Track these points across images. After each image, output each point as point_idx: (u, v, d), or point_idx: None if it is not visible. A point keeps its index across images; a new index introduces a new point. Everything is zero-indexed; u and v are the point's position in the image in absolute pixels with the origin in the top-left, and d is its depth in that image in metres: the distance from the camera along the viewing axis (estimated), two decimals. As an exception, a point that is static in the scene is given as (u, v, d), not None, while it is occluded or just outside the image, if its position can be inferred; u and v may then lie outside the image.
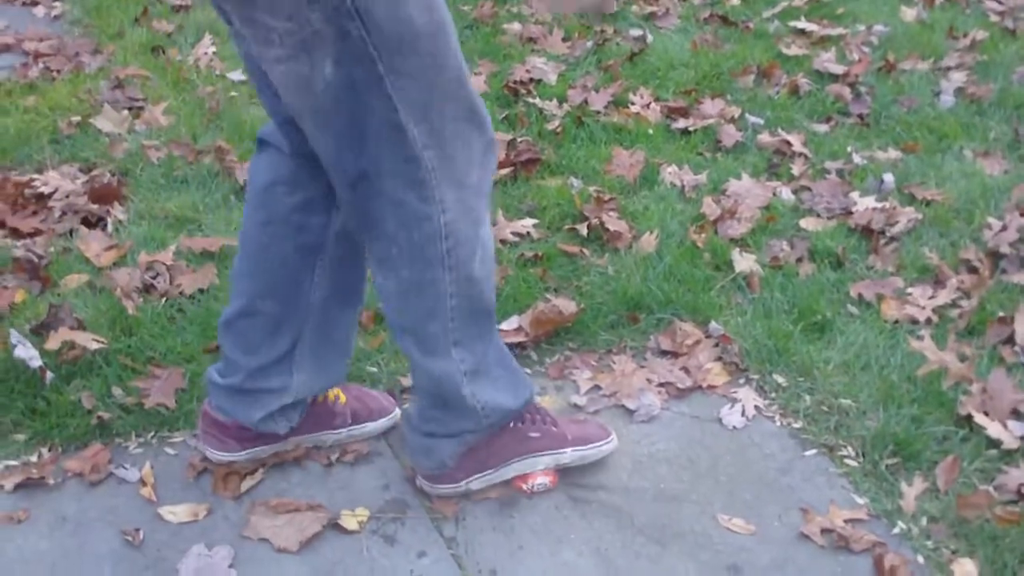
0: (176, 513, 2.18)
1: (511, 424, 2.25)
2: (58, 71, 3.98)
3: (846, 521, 2.26)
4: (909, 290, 2.93)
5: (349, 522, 2.20)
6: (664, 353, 2.72)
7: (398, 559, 2.13)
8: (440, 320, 2.03)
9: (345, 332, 2.27)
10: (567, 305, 2.77)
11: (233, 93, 3.78)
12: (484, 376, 2.14)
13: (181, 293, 2.80)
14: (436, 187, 1.87)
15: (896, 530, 2.26)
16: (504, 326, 2.72)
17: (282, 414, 2.27)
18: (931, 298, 2.90)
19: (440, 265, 1.95)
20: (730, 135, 3.60)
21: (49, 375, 2.46)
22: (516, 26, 4.22)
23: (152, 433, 2.40)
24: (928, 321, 2.83)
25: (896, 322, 2.82)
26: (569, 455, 2.33)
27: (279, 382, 2.20)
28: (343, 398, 2.38)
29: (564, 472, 2.35)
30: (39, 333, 2.60)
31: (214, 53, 4.03)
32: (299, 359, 2.20)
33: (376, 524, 2.21)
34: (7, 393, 2.43)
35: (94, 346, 2.54)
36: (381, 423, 2.42)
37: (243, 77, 3.88)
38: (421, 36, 1.76)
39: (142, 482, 2.25)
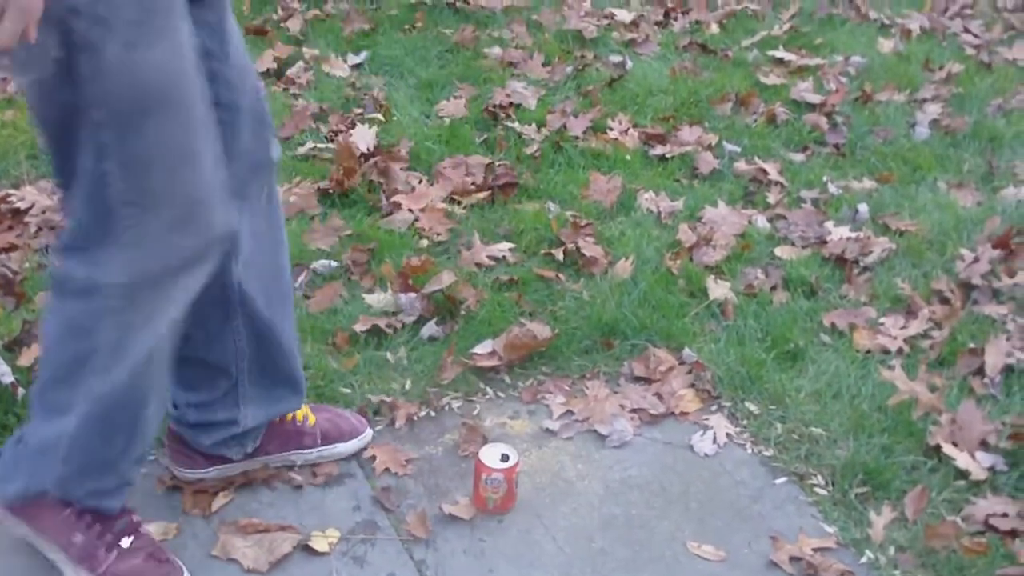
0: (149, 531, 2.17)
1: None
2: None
3: (815, 550, 2.27)
4: (881, 320, 2.95)
5: (319, 543, 2.20)
6: (637, 379, 2.73)
7: (368, 581, 2.14)
8: (74, 384, 1.92)
9: (287, 362, 2.24)
10: (541, 330, 2.78)
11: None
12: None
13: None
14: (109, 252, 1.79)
15: (864, 559, 2.27)
16: (478, 349, 2.72)
17: (235, 441, 2.26)
18: (903, 328, 2.92)
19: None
20: (707, 162, 3.62)
21: (20, 391, 2.45)
22: (496, 50, 4.24)
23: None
24: (899, 351, 2.85)
25: (868, 352, 2.84)
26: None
27: (226, 415, 2.20)
28: (312, 419, 2.37)
29: (534, 498, 2.35)
30: (11, 349, 2.60)
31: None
32: (244, 393, 2.19)
33: (346, 546, 2.21)
34: (-22, 409, 2.43)
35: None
36: (351, 444, 2.41)
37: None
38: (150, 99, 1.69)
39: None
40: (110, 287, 1.80)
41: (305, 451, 2.37)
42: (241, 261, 2.06)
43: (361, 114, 3.74)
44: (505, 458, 2.30)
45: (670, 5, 4.74)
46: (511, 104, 3.84)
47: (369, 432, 2.44)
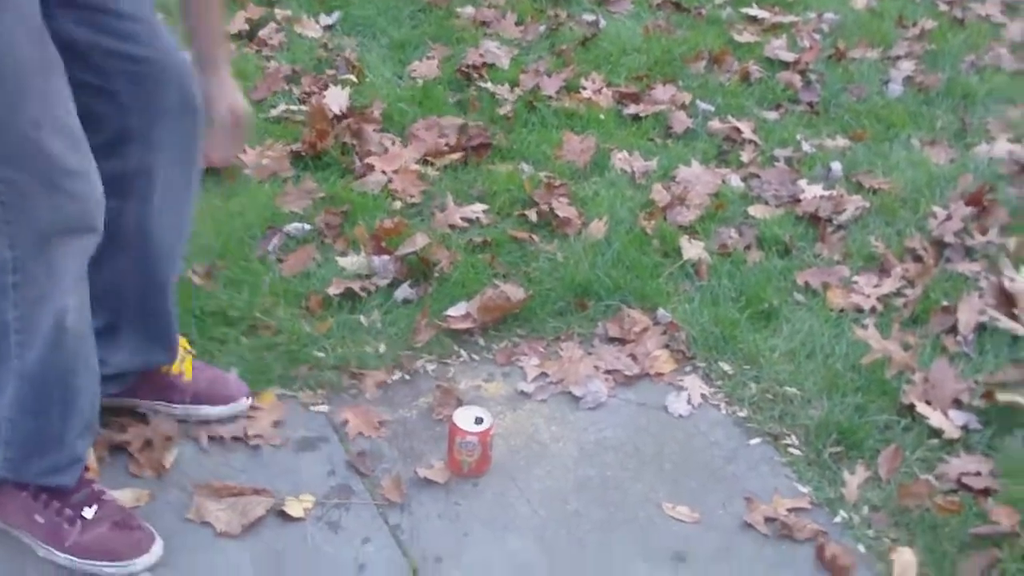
0: (119, 498, 2.16)
1: None
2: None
3: (789, 510, 2.28)
4: (855, 278, 2.96)
5: (293, 508, 2.19)
6: (612, 340, 2.72)
7: (342, 546, 2.13)
8: None
9: (167, 320, 2.26)
10: (515, 292, 2.77)
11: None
12: None
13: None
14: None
15: (838, 519, 2.29)
16: (452, 312, 2.72)
17: (108, 381, 2.23)
18: (876, 287, 2.93)
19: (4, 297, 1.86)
20: (681, 121, 3.61)
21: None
22: (469, 9, 4.20)
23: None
24: (873, 310, 2.86)
25: (842, 310, 2.85)
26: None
27: (99, 354, 2.13)
28: (188, 375, 2.36)
29: (509, 460, 2.36)
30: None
31: (163, 32, 3.99)
32: (120, 336, 2.15)
33: (321, 510, 2.20)
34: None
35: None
36: (219, 410, 2.39)
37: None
38: None
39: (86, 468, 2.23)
40: (1, 267, 1.79)
41: (172, 405, 2.36)
42: (149, 206, 2.08)
43: (334, 75, 3.71)
44: (479, 421, 2.30)
45: (643, -38, 4.70)
46: (484, 64, 3.82)
47: (245, 402, 2.41)
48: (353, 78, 3.70)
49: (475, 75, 3.75)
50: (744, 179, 3.37)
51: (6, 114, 1.71)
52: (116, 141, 2.03)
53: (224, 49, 2.18)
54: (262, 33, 3.97)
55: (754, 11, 4.36)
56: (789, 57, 4.03)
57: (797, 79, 3.90)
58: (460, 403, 2.44)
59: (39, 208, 1.77)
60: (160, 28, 2.04)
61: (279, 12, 4.13)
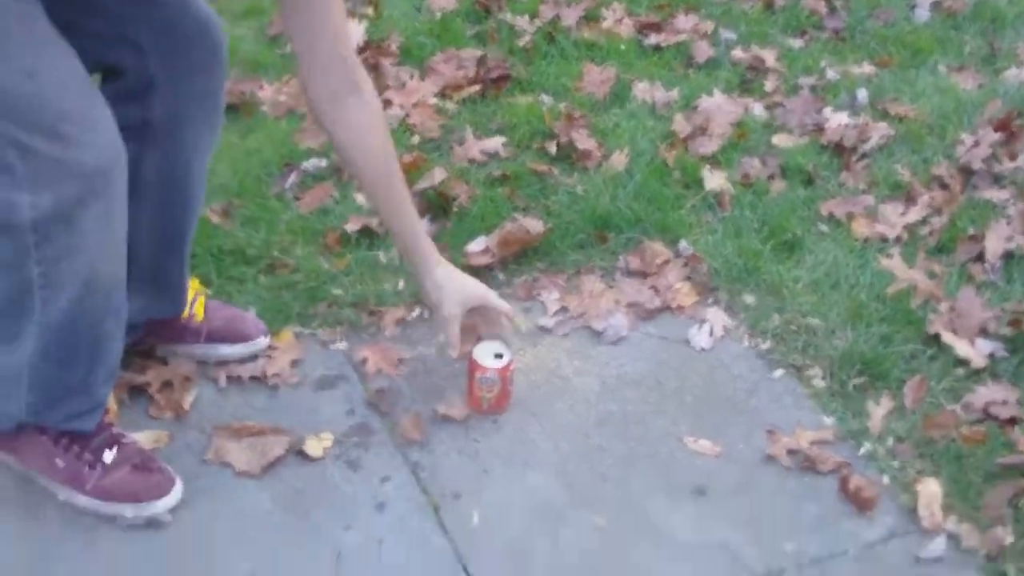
0: (139, 440, 2.16)
1: None
2: None
3: (812, 442, 2.26)
4: (880, 207, 2.91)
5: (313, 447, 2.19)
6: (633, 273, 2.70)
7: (361, 484, 2.13)
8: (18, 316, 1.90)
9: (179, 272, 2.27)
10: (535, 225, 2.74)
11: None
12: None
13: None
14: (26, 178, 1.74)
15: (862, 451, 2.27)
16: (471, 247, 2.69)
17: None
18: (902, 215, 2.88)
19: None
20: (703, 51, 3.55)
21: None
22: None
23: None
24: (898, 239, 2.82)
25: (866, 240, 2.81)
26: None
27: None
28: (200, 315, 2.35)
29: (529, 396, 2.34)
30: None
31: None
32: (132, 283, 2.12)
33: (340, 449, 2.20)
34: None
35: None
36: (237, 348, 2.38)
37: None
38: None
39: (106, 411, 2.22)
40: (21, 226, 1.76)
41: (188, 346, 2.35)
42: (170, 156, 2.08)
43: (351, 9, 3.66)
44: (499, 356, 2.28)
45: None
46: (503, -6, 3.76)
47: (263, 341, 2.40)
48: (370, 11, 3.65)
49: (494, 6, 3.70)
50: (767, 108, 3.31)
51: None
52: (139, 90, 2.02)
53: (429, 243, 2.21)
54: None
55: (778, -64, 4.27)
56: (813, -18, 3.95)
57: (822, 5, 3.83)
58: (479, 339, 2.42)
59: (50, 163, 1.73)
60: None
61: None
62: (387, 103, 3.18)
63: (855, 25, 3.76)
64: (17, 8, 1.72)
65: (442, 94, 3.27)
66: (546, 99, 3.27)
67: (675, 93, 3.34)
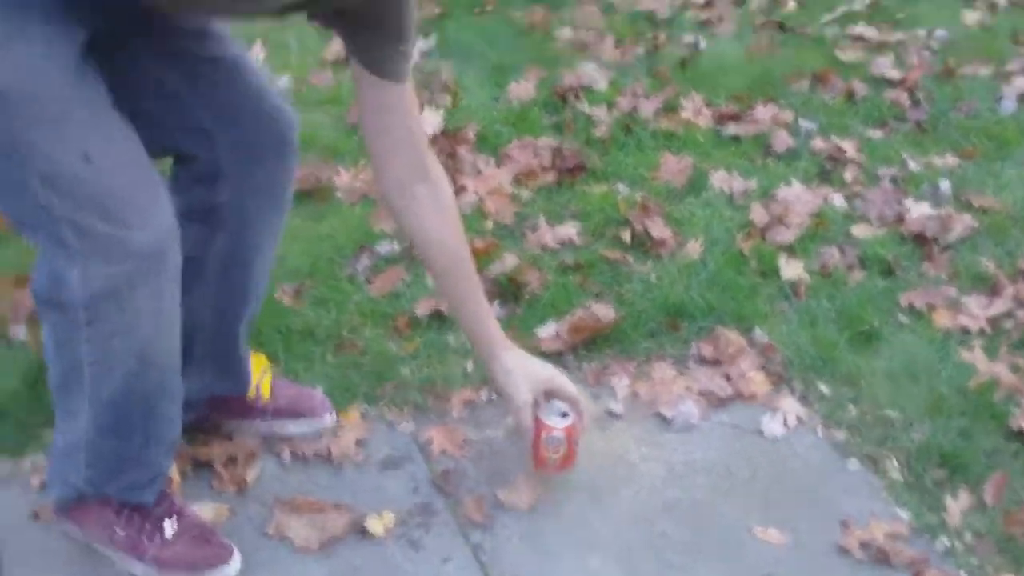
0: (200, 512, 2.15)
1: None
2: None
3: (887, 535, 2.18)
4: (962, 299, 2.84)
5: (374, 525, 2.16)
6: (705, 361, 2.65)
7: (422, 564, 2.10)
8: (75, 392, 1.92)
9: (236, 353, 2.26)
10: (606, 312, 2.72)
11: (281, 98, 3.77)
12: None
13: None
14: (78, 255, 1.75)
15: (939, 545, 2.19)
16: (541, 332, 2.67)
17: None
18: (985, 308, 2.81)
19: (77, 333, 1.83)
20: (782, 141, 3.52)
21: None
22: (567, 32, 4.17)
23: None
24: (981, 332, 2.75)
25: (947, 332, 2.74)
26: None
27: None
28: (266, 394, 2.33)
29: (594, 481, 2.29)
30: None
31: (264, 60, 4.03)
32: (192, 369, 2.11)
33: (402, 528, 2.17)
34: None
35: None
36: (301, 426, 2.36)
37: (291, 84, 3.87)
38: None
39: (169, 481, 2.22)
40: (72, 304, 1.78)
41: (253, 422, 2.34)
42: (236, 242, 2.09)
43: (429, 98, 3.70)
44: (564, 415, 2.23)
45: (747, -16, 4.63)
46: (581, 86, 3.78)
47: (329, 419, 2.38)
48: (449, 100, 3.69)
49: (572, 97, 3.71)
50: (847, 198, 3.27)
51: (51, 148, 1.70)
52: (207, 176, 2.05)
53: (497, 328, 2.22)
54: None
55: (860, 29, 4.26)
56: (896, 75, 3.91)
57: (904, 97, 3.79)
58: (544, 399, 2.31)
59: (104, 241, 1.75)
60: (252, 69, 2.05)
61: (377, 38, 4.14)
62: (462, 189, 3.19)
63: (938, 116, 3.71)
64: (79, 93, 1.74)
65: (517, 181, 3.28)
66: (621, 188, 3.26)
67: (753, 183, 3.31)
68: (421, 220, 2.07)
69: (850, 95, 3.80)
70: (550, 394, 2.24)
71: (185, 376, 2.07)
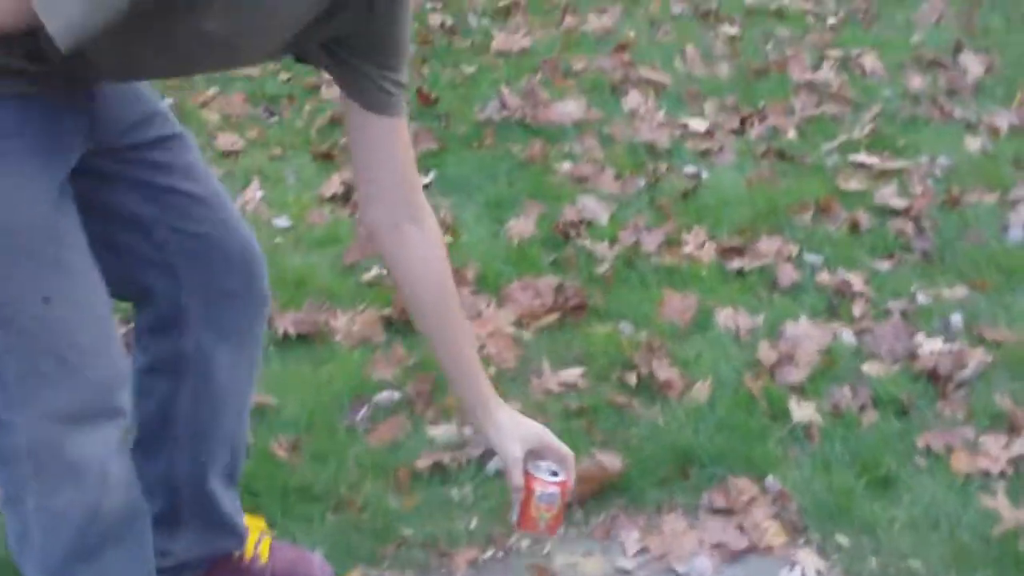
0: None
1: None
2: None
3: None
4: (980, 440, 2.76)
5: None
6: (717, 511, 2.56)
7: None
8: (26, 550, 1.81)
9: (225, 504, 2.16)
10: (613, 461, 2.63)
11: (278, 240, 3.73)
12: None
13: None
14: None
15: None
16: (547, 484, 2.58)
17: (173, 573, 2.13)
18: (1005, 448, 2.73)
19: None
20: (787, 274, 3.46)
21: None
22: (567, 165, 4.14)
23: None
24: (1002, 474, 2.65)
25: (967, 475, 2.65)
26: None
27: (158, 544, 2.01)
28: (265, 556, 2.24)
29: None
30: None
31: (261, 199, 4.00)
32: (181, 519, 2.04)
33: None
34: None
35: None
36: None
37: (288, 224, 3.83)
38: None
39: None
40: (16, 450, 1.70)
41: None
42: (205, 392, 2.01)
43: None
44: (554, 473, 2.10)
45: (746, 112, 4.61)
46: (582, 221, 3.73)
47: None
48: (448, 238, 3.64)
49: (572, 232, 3.67)
50: (856, 334, 3.20)
51: (10, 286, 1.64)
52: (171, 320, 1.98)
53: (488, 384, 2.11)
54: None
55: (862, 157, 4.22)
56: (900, 204, 3.86)
57: (910, 227, 3.74)
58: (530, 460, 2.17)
59: (50, 389, 1.67)
60: (228, 207, 1.99)
61: (376, 174, 4.10)
62: (463, 332, 3.12)
63: (945, 246, 3.66)
64: (51, 229, 1.68)
65: (519, 323, 3.21)
66: (625, 328, 3.20)
67: (759, 319, 3.25)
68: (409, 258, 1.98)
69: (855, 225, 3.75)
70: (539, 451, 2.12)
71: (176, 538, 1.98)
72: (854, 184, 4.03)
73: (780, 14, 5.77)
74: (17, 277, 1.65)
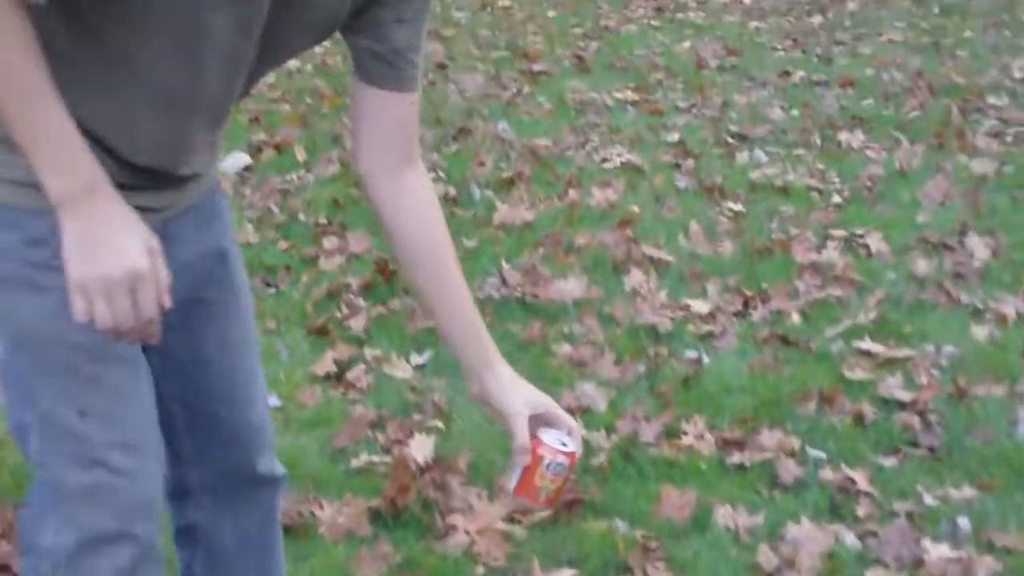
0: None
1: None
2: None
3: None
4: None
5: None
6: None
7: None
8: None
9: None
10: None
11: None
12: None
13: None
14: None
15: None
16: None
17: None
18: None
19: None
20: (789, 471, 3.36)
21: None
22: (566, 348, 4.07)
23: None
24: None
25: None
26: None
27: None
28: None
29: None
30: None
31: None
32: None
33: None
34: None
35: None
36: None
37: (278, 403, 3.75)
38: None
39: None
40: (41, 550, 1.67)
41: None
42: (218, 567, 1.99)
43: (420, 421, 3.57)
44: (564, 444, 1.94)
45: (749, 293, 4.55)
46: (580, 408, 3.65)
47: None
48: (440, 424, 3.55)
49: (575, 418, 3.57)
50: (860, 537, 3.08)
51: (51, 397, 1.63)
52: (176, 493, 1.94)
53: (490, 340, 2.00)
54: (350, 375, 3.88)
55: (867, 344, 4.14)
56: (906, 396, 3.77)
57: (916, 420, 3.64)
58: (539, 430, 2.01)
59: (74, 487, 1.64)
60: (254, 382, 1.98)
61: (369, 352, 4.04)
62: (452, 528, 3.02)
63: (952, 443, 3.55)
64: (97, 346, 1.62)
65: (511, 519, 3.10)
66: (620, 525, 3.08)
67: (759, 518, 3.13)
68: (409, 205, 1.86)
69: (859, 418, 3.65)
70: (545, 418, 1.98)
71: None
72: (859, 373, 3.94)
73: (785, 191, 5.77)
74: (54, 389, 1.63)
